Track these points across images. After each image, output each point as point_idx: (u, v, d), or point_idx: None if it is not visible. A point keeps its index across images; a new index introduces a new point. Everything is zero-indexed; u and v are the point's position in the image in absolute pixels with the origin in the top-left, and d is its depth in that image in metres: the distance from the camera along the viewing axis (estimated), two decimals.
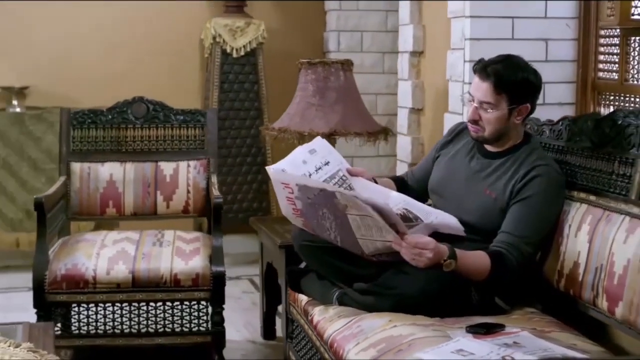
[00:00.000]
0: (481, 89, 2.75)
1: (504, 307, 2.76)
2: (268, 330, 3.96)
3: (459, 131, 3.04)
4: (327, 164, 2.84)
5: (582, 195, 2.69)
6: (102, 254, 3.36)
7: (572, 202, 2.72)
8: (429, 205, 2.91)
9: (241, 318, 4.24)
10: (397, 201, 2.74)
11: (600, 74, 3.51)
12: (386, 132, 3.72)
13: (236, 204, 5.30)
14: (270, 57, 5.33)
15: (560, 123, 2.89)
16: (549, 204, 2.71)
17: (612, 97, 3.43)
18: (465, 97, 2.89)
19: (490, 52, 3.23)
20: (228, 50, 5.17)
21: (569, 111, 3.56)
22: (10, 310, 4.25)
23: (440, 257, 2.52)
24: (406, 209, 2.70)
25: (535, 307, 2.79)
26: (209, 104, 5.19)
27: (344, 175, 2.84)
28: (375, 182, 2.94)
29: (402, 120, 4.23)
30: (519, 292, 2.81)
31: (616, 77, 3.38)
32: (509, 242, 2.65)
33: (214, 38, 5.15)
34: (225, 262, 3.43)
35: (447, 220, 2.75)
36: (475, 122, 2.79)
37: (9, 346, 2.05)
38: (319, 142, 2.90)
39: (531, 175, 2.69)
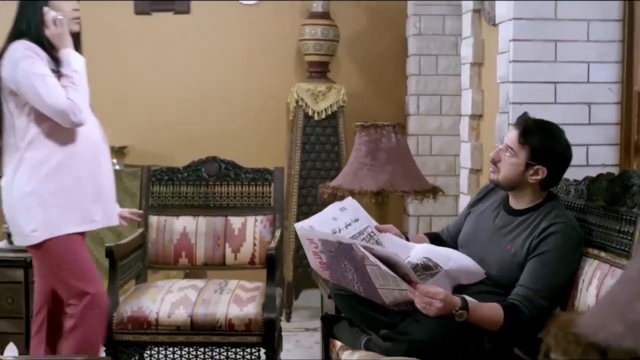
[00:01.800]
0: (511, 134, 2.97)
1: (523, 357, 2.89)
2: None
3: (489, 190, 3.22)
4: (356, 220, 3.04)
5: (595, 251, 2.81)
6: (166, 299, 3.66)
7: (587, 259, 2.83)
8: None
9: None
10: (419, 253, 2.92)
11: None
12: (435, 192, 3.90)
13: None
14: (353, 120, 5.59)
15: (583, 183, 3.02)
16: (564, 260, 2.83)
17: None
18: (500, 144, 3.10)
19: (533, 115, 3.43)
20: (310, 113, 5.48)
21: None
22: None
23: (451, 307, 2.69)
24: (427, 258, 2.87)
25: None
26: (292, 164, 5.50)
27: (372, 232, 3.04)
28: (406, 238, 3.15)
29: (463, 180, 4.41)
30: (539, 343, 2.93)
31: None
32: (523, 295, 2.79)
33: (297, 102, 5.48)
34: (304, 315, 3.66)
35: (467, 264, 2.91)
36: (495, 163, 2.98)
37: None
38: (350, 201, 3.11)
39: (548, 232, 2.83)
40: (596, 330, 1.23)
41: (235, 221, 4.16)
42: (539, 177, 2.91)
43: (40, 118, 3.15)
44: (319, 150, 5.52)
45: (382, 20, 5.87)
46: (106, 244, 3.64)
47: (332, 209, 3.08)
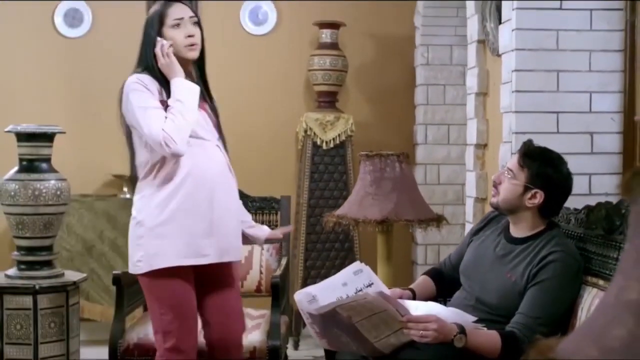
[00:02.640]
0: (512, 158, 3.06)
1: None
2: None
3: (491, 218, 3.26)
4: (370, 285, 2.97)
5: (594, 280, 2.84)
6: None
7: (587, 287, 2.86)
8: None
9: None
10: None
11: None
12: (439, 220, 3.94)
13: None
14: (361, 149, 5.64)
15: (582, 211, 3.05)
16: (563, 288, 2.85)
17: None
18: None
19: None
20: (318, 143, 5.54)
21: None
22: None
23: (448, 332, 2.71)
24: None
25: None
26: (301, 192, 5.55)
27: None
28: (414, 295, 3.18)
29: (469, 209, 4.44)
30: None
31: None
32: (522, 323, 2.81)
33: (306, 131, 5.54)
34: (312, 343, 3.70)
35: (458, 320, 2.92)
36: (496, 186, 3.04)
37: None
38: (365, 266, 3.03)
39: (547, 260, 2.86)
40: (571, 356, 1.26)
41: (242, 249, 4.19)
42: (536, 202, 2.94)
43: (153, 150, 3.05)
44: (327, 179, 5.57)
45: (390, 51, 5.94)
46: (113, 272, 3.69)
47: (346, 272, 3.02)
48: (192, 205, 3.06)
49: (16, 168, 4.24)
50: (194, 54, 3.21)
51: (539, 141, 3.45)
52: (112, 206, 5.39)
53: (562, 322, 2.86)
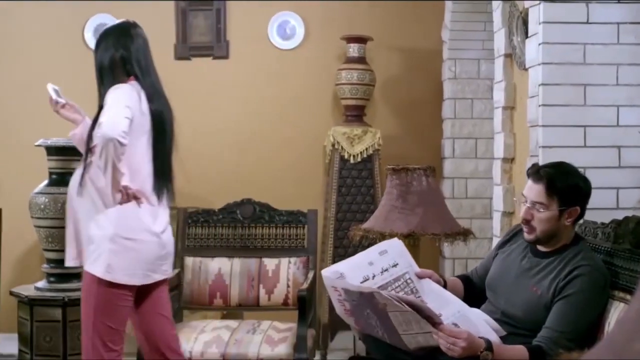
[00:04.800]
0: (534, 190, 2.98)
1: None
2: None
3: (517, 232, 3.25)
4: (395, 265, 3.03)
5: (622, 294, 2.82)
6: (199, 339, 3.73)
7: (614, 302, 2.85)
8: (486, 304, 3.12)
9: None
10: (451, 312, 2.91)
11: None
12: (466, 234, 3.93)
13: None
14: (388, 163, 5.64)
15: (610, 225, 3.04)
16: (589, 302, 2.84)
17: None
18: (519, 199, 3.11)
19: (562, 159, 3.45)
20: (346, 157, 5.55)
21: None
22: None
23: (475, 348, 2.71)
24: (455, 324, 2.85)
25: None
26: (328, 206, 5.56)
27: (409, 278, 3.04)
28: (444, 282, 3.17)
29: (496, 223, 4.43)
30: None
31: None
32: (549, 337, 2.80)
33: (333, 145, 5.56)
34: (340, 356, 3.71)
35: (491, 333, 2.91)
36: (527, 222, 2.99)
37: None
38: (392, 243, 3.12)
39: (574, 275, 2.86)
40: None
41: (269, 263, 4.23)
42: (573, 217, 2.97)
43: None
44: (355, 192, 5.58)
45: (417, 64, 5.95)
46: None
47: (372, 252, 3.08)
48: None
49: (46, 181, 4.30)
50: None
51: (566, 155, 3.47)
52: None
53: (588, 336, 2.85)
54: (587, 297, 2.84)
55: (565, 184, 2.96)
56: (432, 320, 2.72)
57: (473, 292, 3.31)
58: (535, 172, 3.03)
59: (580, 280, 2.84)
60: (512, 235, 3.27)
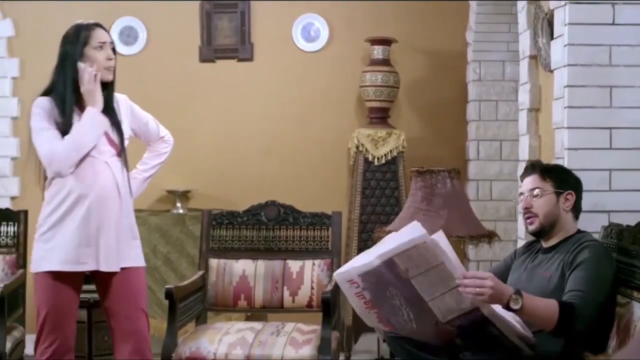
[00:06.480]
0: (528, 181, 3.20)
1: None
2: None
3: (531, 245, 3.33)
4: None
5: None
6: (223, 340, 3.73)
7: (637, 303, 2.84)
8: None
9: None
10: None
11: None
12: (491, 236, 3.92)
13: None
14: (412, 165, 5.64)
15: (636, 228, 3.02)
16: (602, 264, 2.95)
17: None
18: (517, 200, 3.19)
19: (587, 161, 3.47)
20: (370, 159, 5.55)
21: None
22: None
23: (503, 292, 2.70)
24: None
25: None
26: (352, 208, 5.56)
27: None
28: None
29: (520, 225, 4.40)
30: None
31: None
32: (578, 296, 2.84)
33: (357, 147, 5.56)
34: (365, 359, 3.67)
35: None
36: (528, 210, 3.14)
37: None
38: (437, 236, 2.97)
39: (579, 248, 3.00)
40: None
41: (294, 264, 4.23)
42: (570, 203, 3.12)
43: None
44: (379, 195, 5.57)
45: (442, 66, 5.94)
46: (166, 286, 3.74)
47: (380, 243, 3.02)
48: (70, 220, 3.33)
49: None
50: (110, 76, 3.45)
51: (592, 157, 3.48)
52: (165, 221, 5.46)
53: (608, 311, 2.95)
54: (598, 259, 2.94)
55: (556, 171, 3.23)
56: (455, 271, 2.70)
57: None
58: (526, 169, 3.26)
59: (587, 249, 2.97)
60: (527, 247, 3.38)
